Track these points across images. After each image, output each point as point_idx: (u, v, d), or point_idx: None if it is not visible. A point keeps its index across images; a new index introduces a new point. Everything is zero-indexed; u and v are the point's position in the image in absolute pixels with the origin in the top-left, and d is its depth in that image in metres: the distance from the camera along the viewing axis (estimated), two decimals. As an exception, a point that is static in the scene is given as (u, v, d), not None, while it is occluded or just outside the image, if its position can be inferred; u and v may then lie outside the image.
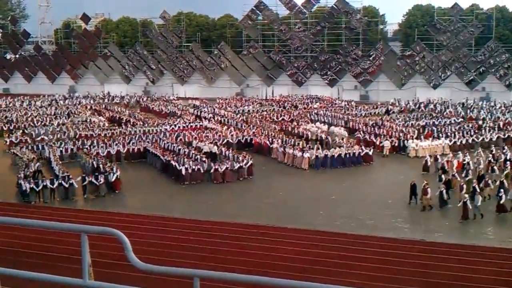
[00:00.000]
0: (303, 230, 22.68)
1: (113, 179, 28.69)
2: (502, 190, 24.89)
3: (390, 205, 26.14)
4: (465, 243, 21.31)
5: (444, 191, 25.51)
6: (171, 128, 43.58)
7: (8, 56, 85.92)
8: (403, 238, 21.83)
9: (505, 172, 29.01)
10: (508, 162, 30.89)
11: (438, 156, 32.91)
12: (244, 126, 44.19)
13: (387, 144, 37.11)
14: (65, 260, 17.83)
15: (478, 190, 25.34)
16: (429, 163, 31.97)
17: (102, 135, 41.09)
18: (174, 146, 35.81)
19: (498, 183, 26.60)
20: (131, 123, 46.24)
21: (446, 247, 20.65)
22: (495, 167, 30.21)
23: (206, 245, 20.82)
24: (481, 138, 39.02)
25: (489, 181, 26.71)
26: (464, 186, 26.10)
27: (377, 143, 38.03)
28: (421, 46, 67.73)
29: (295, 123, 45.49)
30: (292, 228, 22.79)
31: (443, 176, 27.89)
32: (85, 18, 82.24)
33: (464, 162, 31.14)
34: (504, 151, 34.05)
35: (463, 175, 28.45)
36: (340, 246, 20.88)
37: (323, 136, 39.22)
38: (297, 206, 26.17)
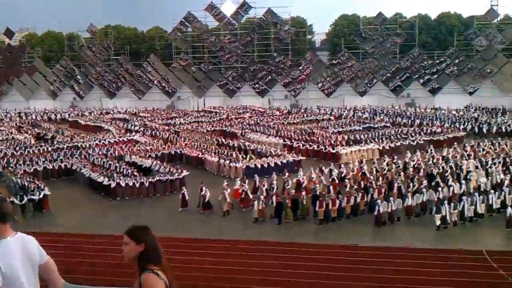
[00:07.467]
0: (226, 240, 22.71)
1: (39, 197, 27.56)
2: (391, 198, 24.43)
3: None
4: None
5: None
6: (101, 142, 42.63)
7: None
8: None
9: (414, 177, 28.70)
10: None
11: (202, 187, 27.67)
12: (176, 138, 43.80)
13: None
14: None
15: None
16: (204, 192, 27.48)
17: (28, 152, 39.60)
18: (104, 162, 35.02)
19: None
20: (58, 139, 44.73)
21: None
22: (331, 187, 28.14)
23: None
24: (407, 142, 40.44)
25: (323, 202, 24.71)
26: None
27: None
28: (348, 55, 69.53)
29: (231, 131, 46.07)
30: (218, 240, 22.80)
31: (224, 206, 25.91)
32: (9, 33, 79.56)
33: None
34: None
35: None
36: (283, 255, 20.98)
37: (257, 145, 39.41)
38: (230, 217, 26.14)
